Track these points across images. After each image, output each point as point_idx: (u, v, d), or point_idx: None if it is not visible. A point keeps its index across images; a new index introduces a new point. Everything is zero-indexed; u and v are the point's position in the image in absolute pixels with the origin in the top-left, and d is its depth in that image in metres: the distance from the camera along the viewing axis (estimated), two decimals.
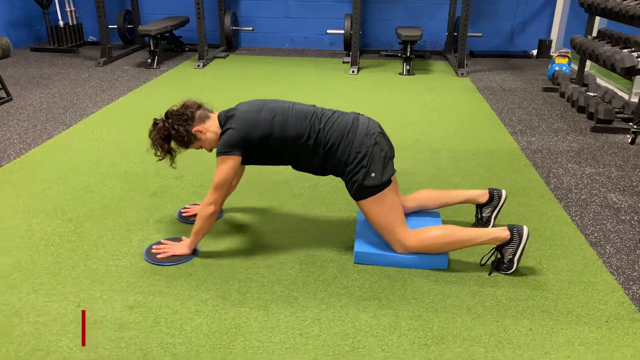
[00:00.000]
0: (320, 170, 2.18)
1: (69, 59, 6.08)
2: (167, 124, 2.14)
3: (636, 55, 3.79)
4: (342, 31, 6.53)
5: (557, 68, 5.41)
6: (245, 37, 7.11)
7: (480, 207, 2.47)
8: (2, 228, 2.41)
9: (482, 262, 2.19)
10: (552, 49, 6.73)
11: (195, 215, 2.47)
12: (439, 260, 2.16)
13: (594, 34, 4.78)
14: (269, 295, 1.98)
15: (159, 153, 2.17)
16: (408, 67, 5.67)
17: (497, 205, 2.43)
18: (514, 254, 2.10)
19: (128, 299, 1.93)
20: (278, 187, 2.89)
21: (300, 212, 2.62)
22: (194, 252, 2.22)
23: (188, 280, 2.06)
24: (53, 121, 3.92)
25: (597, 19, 4.95)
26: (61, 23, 6.49)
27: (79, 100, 4.46)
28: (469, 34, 6.35)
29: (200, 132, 2.16)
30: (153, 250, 2.23)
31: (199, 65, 5.78)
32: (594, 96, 4.41)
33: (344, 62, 6.22)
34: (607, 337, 1.79)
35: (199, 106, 2.22)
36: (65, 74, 5.39)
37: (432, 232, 2.16)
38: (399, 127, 3.91)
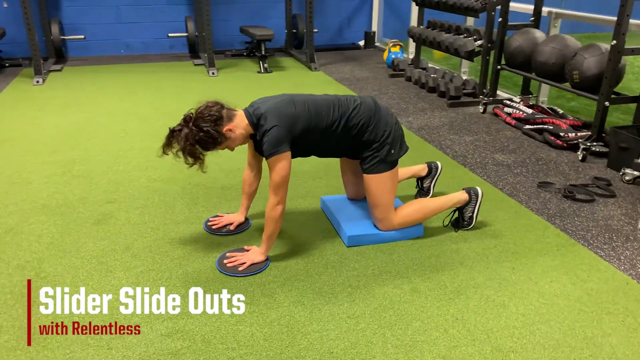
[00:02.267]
0: (343, 152, 2.35)
1: None
2: (194, 129, 2.03)
3: (473, 39, 4.57)
4: (185, 34, 6.42)
5: (393, 56, 6.13)
6: (73, 47, 6.49)
7: (421, 179, 2.83)
8: None
9: (445, 223, 2.56)
10: (376, 40, 7.53)
11: (226, 226, 2.48)
12: (417, 230, 2.46)
13: (425, 24, 5.55)
14: (295, 292, 2.05)
15: (190, 160, 2.06)
16: (265, 65, 5.85)
17: (435, 176, 2.82)
18: (473, 212, 2.50)
19: (160, 327, 1.83)
20: (223, 191, 2.88)
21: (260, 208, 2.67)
22: (268, 258, 2.23)
23: (205, 296, 2.01)
24: None
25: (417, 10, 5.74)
26: None
27: None
28: None
29: (231, 130, 2.09)
30: (229, 264, 2.18)
31: (38, 82, 5.17)
32: (436, 77, 5.15)
33: (195, 65, 6.12)
34: (565, 261, 2.28)
35: (222, 105, 2.12)
36: None
37: (410, 209, 2.44)
38: None
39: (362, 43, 7.52)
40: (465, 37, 4.72)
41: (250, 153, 2.40)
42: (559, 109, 4.11)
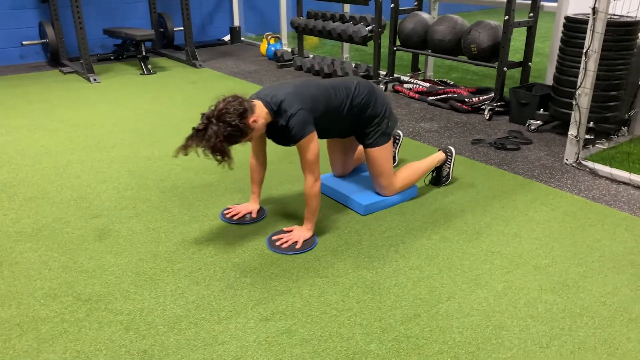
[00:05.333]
0: (349, 131, 2.51)
1: None
2: (221, 125, 1.99)
3: (364, 25, 4.98)
4: (44, 40, 5.81)
5: (273, 48, 6.31)
6: None
7: None
8: None
9: (426, 182, 2.89)
10: (241, 34, 7.61)
11: (245, 215, 2.51)
12: (412, 192, 2.75)
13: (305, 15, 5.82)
14: (349, 260, 2.19)
15: (219, 158, 2.01)
16: (149, 65, 5.59)
17: (399, 143, 3.14)
18: (450, 168, 2.87)
19: (253, 314, 1.84)
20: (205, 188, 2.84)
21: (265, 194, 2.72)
22: (314, 235, 2.35)
23: (293, 274, 2.05)
24: None
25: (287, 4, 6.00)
26: None
27: None
28: (175, 29, 6.65)
29: (255, 121, 2.10)
30: (284, 245, 2.26)
31: None
32: (330, 64, 5.48)
33: (65, 73, 5.58)
34: (534, 195, 2.77)
35: (242, 98, 2.10)
36: None
37: (405, 173, 2.70)
38: None
39: (227, 38, 7.53)
40: (354, 24, 5.11)
41: (256, 142, 2.44)
42: (449, 80, 4.73)
